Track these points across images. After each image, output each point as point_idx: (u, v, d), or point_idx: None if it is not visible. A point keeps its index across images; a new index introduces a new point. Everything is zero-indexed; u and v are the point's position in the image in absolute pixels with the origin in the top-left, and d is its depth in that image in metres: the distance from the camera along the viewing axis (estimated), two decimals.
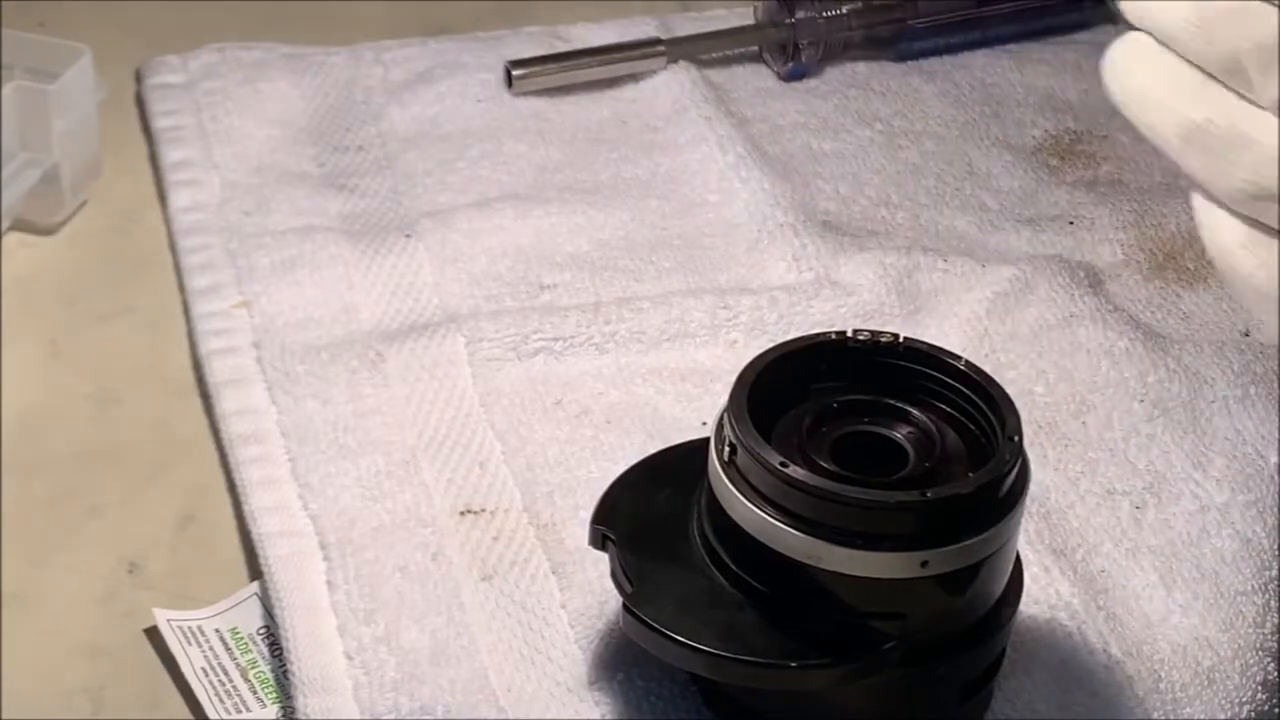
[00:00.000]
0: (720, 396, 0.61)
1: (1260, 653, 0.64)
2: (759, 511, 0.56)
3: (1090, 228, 0.83)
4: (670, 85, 0.90)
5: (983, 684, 0.60)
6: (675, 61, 0.91)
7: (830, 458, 0.57)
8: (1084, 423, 0.72)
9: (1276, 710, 0.63)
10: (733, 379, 0.58)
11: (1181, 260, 0.81)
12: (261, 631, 0.65)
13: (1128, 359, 0.74)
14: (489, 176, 0.85)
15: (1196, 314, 0.79)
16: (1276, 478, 0.70)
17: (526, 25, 0.95)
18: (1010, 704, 0.62)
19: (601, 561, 0.61)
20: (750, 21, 0.94)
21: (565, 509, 0.68)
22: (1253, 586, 0.66)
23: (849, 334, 0.60)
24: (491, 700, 0.62)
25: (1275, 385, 0.74)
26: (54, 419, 0.73)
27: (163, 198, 0.84)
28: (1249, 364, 0.75)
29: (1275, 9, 0.47)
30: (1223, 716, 0.62)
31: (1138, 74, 0.50)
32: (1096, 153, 0.88)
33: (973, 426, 0.59)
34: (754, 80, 0.92)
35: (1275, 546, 0.67)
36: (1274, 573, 0.66)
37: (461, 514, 0.68)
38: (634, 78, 0.91)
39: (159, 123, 0.87)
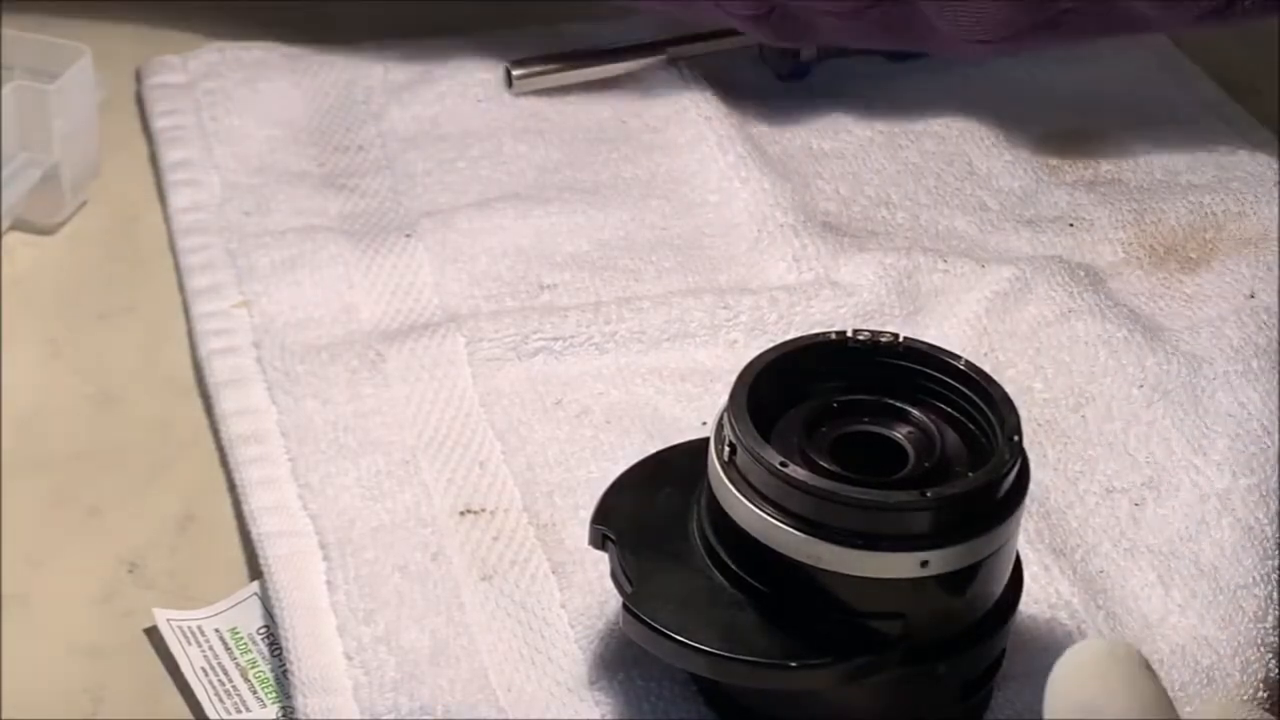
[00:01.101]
0: (720, 396, 0.61)
1: (1261, 649, 0.64)
2: (759, 511, 0.56)
3: (1090, 228, 0.83)
4: (670, 85, 0.90)
5: (983, 684, 0.60)
6: (675, 61, 0.91)
7: (830, 458, 0.57)
8: (1083, 416, 0.72)
9: (1278, 708, 0.63)
10: (733, 379, 0.58)
11: (1184, 251, 0.81)
12: (261, 631, 0.65)
13: (1126, 347, 0.74)
14: (489, 176, 0.85)
15: (1199, 294, 0.78)
16: None
17: (526, 25, 0.95)
18: (1010, 704, 0.62)
19: (601, 561, 0.61)
20: None
21: (565, 509, 0.68)
22: (1253, 579, 0.66)
23: (849, 334, 0.60)
24: (491, 700, 0.62)
25: (1278, 356, 0.73)
26: (54, 419, 0.73)
27: (163, 198, 0.84)
28: (1250, 336, 0.74)
29: None
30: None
31: None
32: (1096, 152, 0.88)
33: (973, 426, 0.59)
34: (754, 80, 0.92)
35: (1276, 533, 0.67)
36: (1275, 562, 0.66)
37: (461, 514, 0.68)
38: (634, 78, 0.91)
39: (159, 123, 0.87)
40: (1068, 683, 0.51)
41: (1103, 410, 0.72)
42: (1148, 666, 0.51)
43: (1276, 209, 0.83)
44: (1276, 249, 0.80)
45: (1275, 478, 0.69)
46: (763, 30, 0.85)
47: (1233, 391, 0.72)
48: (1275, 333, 0.75)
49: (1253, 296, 0.77)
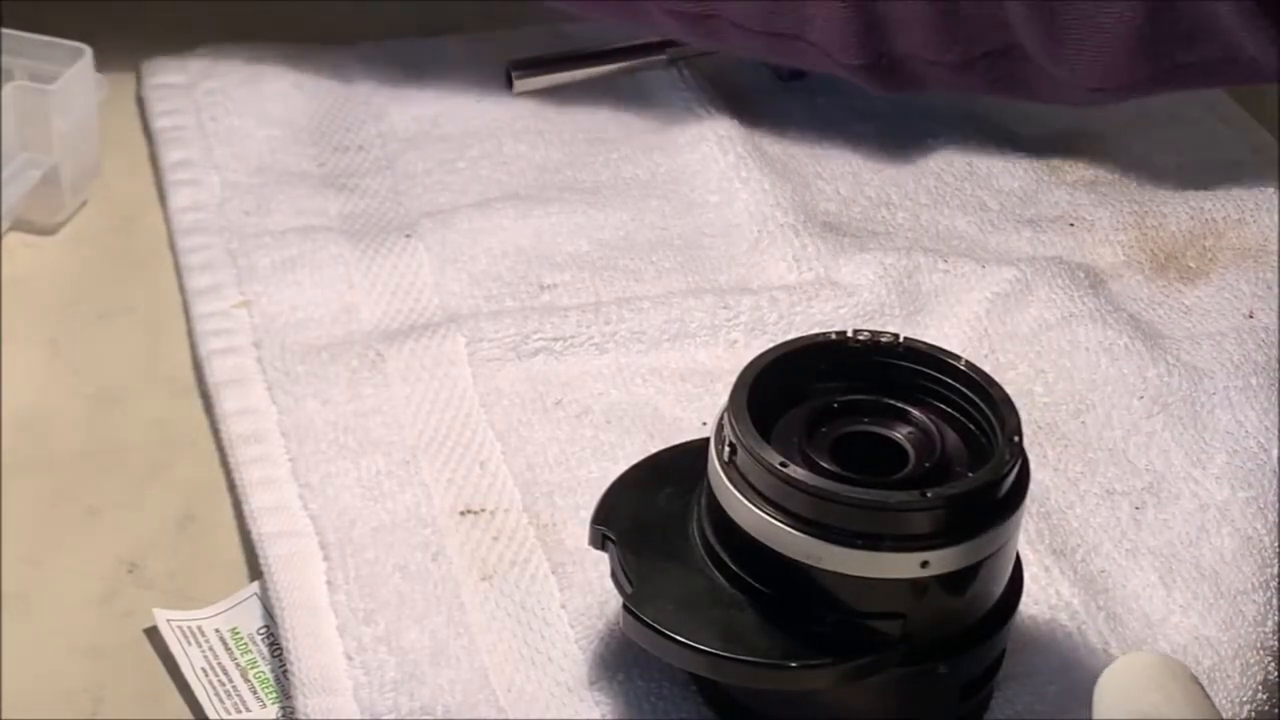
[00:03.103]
0: (720, 396, 0.61)
1: (1261, 651, 0.64)
2: (759, 511, 0.56)
3: (1090, 229, 0.83)
4: (670, 85, 0.90)
5: (983, 684, 0.60)
6: (675, 62, 0.91)
7: (830, 458, 0.57)
8: (1083, 422, 0.72)
9: (1277, 710, 0.63)
10: (733, 379, 0.58)
11: (1183, 259, 0.81)
12: (261, 631, 0.65)
13: (1127, 355, 0.74)
14: (489, 176, 0.85)
15: (1198, 307, 0.78)
16: (1278, 471, 0.70)
17: (526, 25, 0.95)
18: (1010, 704, 0.62)
19: (601, 561, 0.61)
20: None
21: (565, 509, 0.68)
22: (1253, 584, 0.66)
23: (849, 334, 0.60)
24: (491, 700, 0.62)
25: (1276, 374, 0.74)
26: (54, 419, 0.73)
27: (163, 198, 0.84)
28: (1249, 353, 0.74)
29: None
30: (1223, 716, 0.62)
31: None
32: (1096, 152, 0.88)
33: (973, 426, 0.59)
34: (754, 80, 0.92)
35: (1276, 543, 0.67)
36: (1274, 570, 0.66)
37: (461, 514, 0.68)
38: (634, 78, 0.91)
39: (159, 123, 0.87)
40: (1126, 690, 0.51)
41: (1103, 418, 0.72)
42: (1198, 681, 0.52)
43: (1277, 217, 0.83)
44: (1276, 264, 0.80)
45: (1273, 491, 0.69)
46: (873, 80, 0.83)
47: (1232, 409, 0.72)
48: (1274, 350, 0.75)
49: (1251, 317, 0.77)
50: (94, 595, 0.67)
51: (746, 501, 0.56)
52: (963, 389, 0.59)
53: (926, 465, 0.57)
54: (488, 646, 0.63)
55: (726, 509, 0.57)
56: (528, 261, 0.79)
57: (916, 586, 0.56)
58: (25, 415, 0.73)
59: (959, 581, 0.56)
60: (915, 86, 0.84)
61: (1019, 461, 0.57)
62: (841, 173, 0.86)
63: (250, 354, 0.74)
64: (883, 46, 0.82)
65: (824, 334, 0.61)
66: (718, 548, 0.58)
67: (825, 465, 0.57)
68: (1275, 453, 0.70)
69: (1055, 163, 0.88)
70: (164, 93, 0.89)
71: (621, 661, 0.62)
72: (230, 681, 0.63)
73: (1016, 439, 0.57)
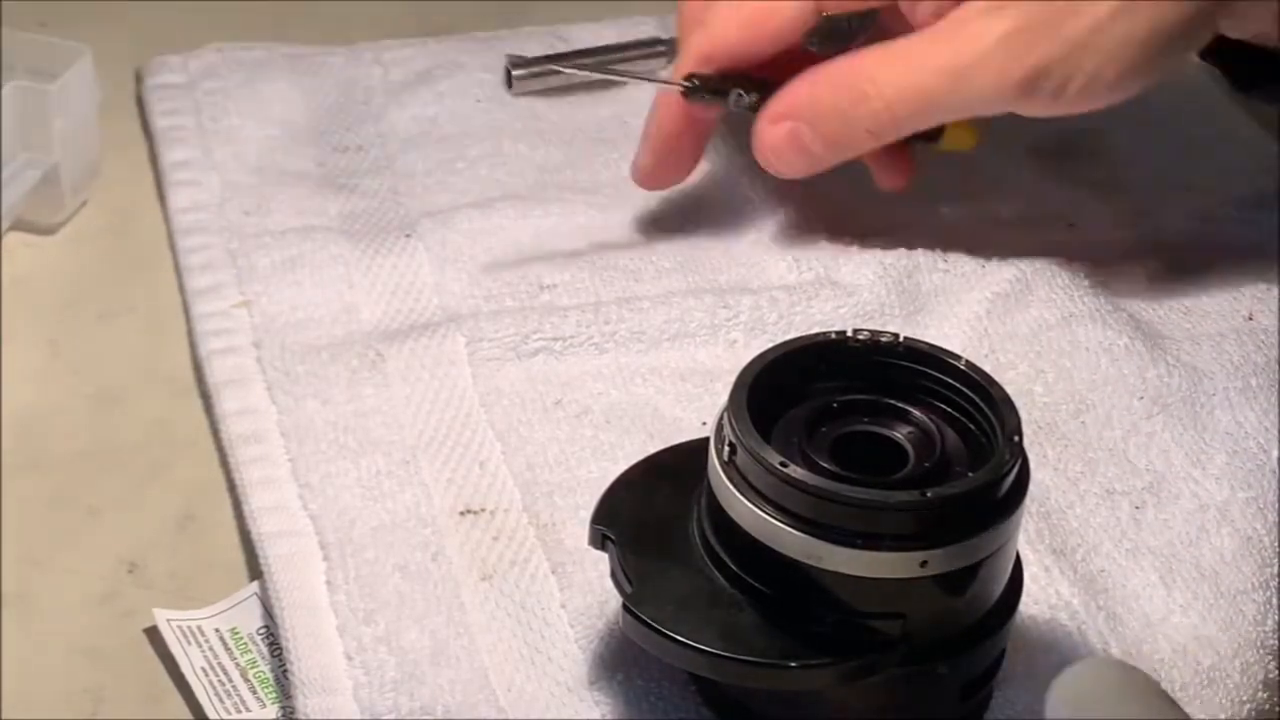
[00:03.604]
0: (720, 396, 0.61)
1: (1261, 651, 0.64)
2: (759, 511, 0.56)
3: (1091, 229, 0.83)
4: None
5: (983, 684, 0.60)
6: (675, 61, 0.91)
7: (830, 458, 0.57)
8: (1083, 422, 0.72)
9: (1278, 709, 0.63)
10: (733, 379, 0.58)
11: (1183, 259, 0.81)
12: (261, 631, 0.65)
13: (1127, 356, 0.74)
14: (489, 176, 0.85)
15: (1197, 308, 0.78)
16: (1278, 471, 0.70)
17: (526, 25, 0.95)
18: (1010, 704, 0.62)
19: (601, 561, 0.61)
20: None
21: (565, 509, 0.68)
22: (1253, 584, 0.66)
23: (849, 334, 0.60)
24: (491, 700, 0.62)
25: (1276, 375, 0.74)
26: (54, 419, 0.73)
27: (163, 198, 0.84)
28: (1249, 354, 0.75)
29: None
30: (1223, 716, 0.62)
31: None
32: (1096, 152, 0.88)
33: (973, 426, 0.59)
34: None
35: (1275, 543, 0.67)
36: (1274, 570, 0.66)
37: (461, 514, 0.68)
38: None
39: (159, 123, 0.87)
40: (1080, 695, 0.50)
41: (1103, 418, 0.72)
42: (1163, 692, 0.51)
43: (1276, 219, 0.83)
44: (1276, 265, 0.80)
45: (1273, 492, 0.69)
46: None
47: (1231, 410, 0.72)
48: (1274, 352, 0.75)
49: (1250, 319, 0.77)
50: (94, 595, 0.67)
51: (746, 501, 0.56)
52: (963, 389, 0.59)
53: (926, 465, 0.57)
54: (488, 646, 0.63)
55: (726, 509, 0.57)
56: (528, 261, 0.79)
57: (916, 586, 0.56)
58: (25, 415, 0.73)
59: (959, 581, 0.57)
60: None
61: (1019, 461, 0.57)
62: (842, 173, 0.86)
63: (250, 354, 0.74)
64: None
65: (824, 334, 0.61)
66: (718, 548, 0.58)
67: (825, 465, 0.57)
68: (1275, 453, 0.70)
69: (1055, 163, 0.88)
70: (164, 93, 0.89)
71: (621, 661, 0.62)
72: (230, 681, 0.64)
73: (1016, 439, 0.57)
